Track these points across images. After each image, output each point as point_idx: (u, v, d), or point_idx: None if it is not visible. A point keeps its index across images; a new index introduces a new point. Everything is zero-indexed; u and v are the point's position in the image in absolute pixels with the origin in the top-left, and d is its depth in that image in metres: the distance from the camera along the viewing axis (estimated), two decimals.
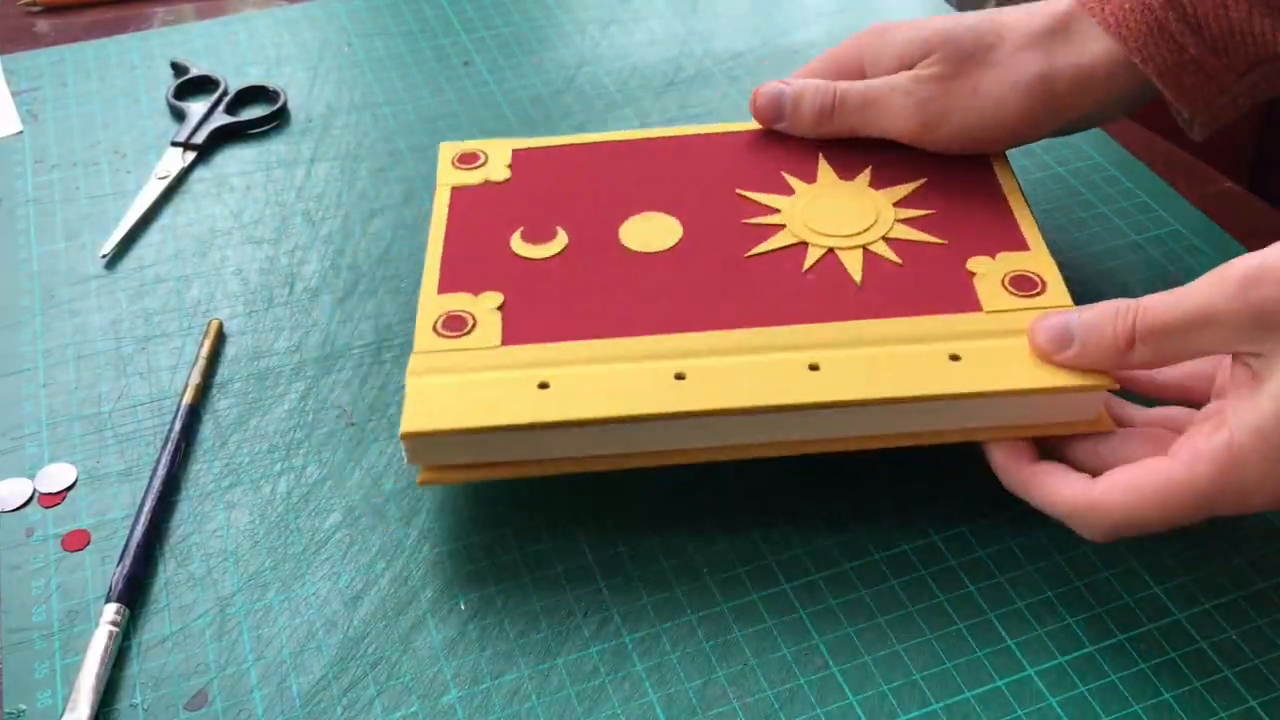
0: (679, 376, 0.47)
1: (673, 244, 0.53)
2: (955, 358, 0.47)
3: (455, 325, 0.50)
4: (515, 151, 0.59)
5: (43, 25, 0.82)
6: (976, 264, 0.51)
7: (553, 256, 0.53)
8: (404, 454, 0.47)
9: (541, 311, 0.50)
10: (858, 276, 0.51)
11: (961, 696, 0.43)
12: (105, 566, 0.47)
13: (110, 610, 0.45)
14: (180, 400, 0.53)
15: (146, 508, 0.49)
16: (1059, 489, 0.44)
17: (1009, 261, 0.51)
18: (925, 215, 0.54)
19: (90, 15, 0.83)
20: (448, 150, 0.59)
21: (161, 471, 0.50)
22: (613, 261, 0.52)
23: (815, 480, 0.50)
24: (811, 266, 0.51)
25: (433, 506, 0.50)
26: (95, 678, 0.43)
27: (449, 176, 0.58)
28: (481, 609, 0.46)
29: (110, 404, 0.54)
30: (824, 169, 0.57)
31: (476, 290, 0.51)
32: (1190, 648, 0.44)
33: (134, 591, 0.46)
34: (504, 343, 0.49)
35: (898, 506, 0.49)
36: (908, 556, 0.48)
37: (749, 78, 0.75)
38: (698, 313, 0.49)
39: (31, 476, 0.51)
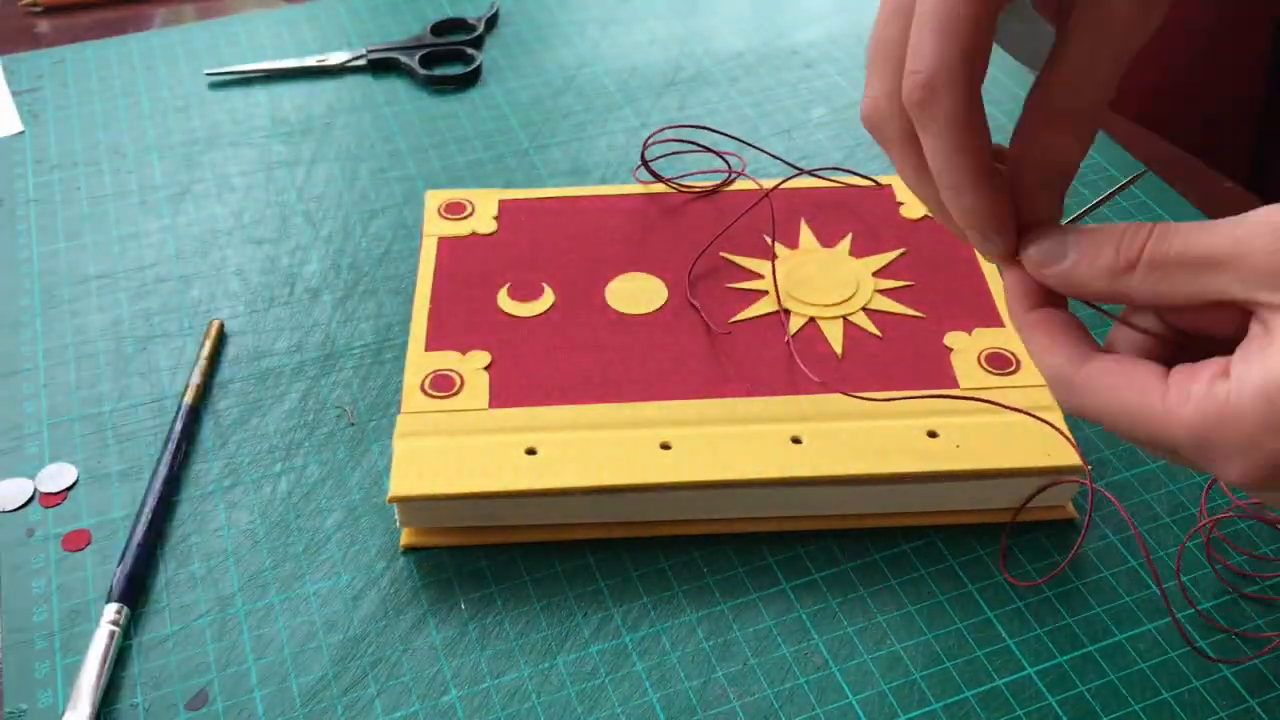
0: (665, 446, 0.47)
1: (657, 307, 0.54)
2: (933, 434, 0.48)
3: (443, 386, 0.50)
4: (502, 202, 0.59)
5: (43, 26, 0.82)
6: (953, 339, 0.52)
7: (539, 315, 0.53)
8: (395, 518, 0.48)
9: (528, 373, 0.51)
10: (838, 348, 0.52)
11: (961, 696, 0.43)
12: (106, 566, 0.47)
13: (111, 610, 0.45)
14: (181, 400, 0.53)
15: (147, 508, 0.49)
16: (1046, 352, 0.39)
17: (984, 338, 0.52)
18: (904, 286, 0.55)
19: (91, 16, 0.83)
20: (434, 199, 0.60)
21: (162, 471, 0.50)
22: (598, 323, 0.53)
23: None
24: (793, 335, 0.52)
25: None
26: (96, 677, 0.43)
27: (435, 227, 0.58)
28: (481, 609, 0.46)
29: (111, 404, 0.54)
30: (806, 234, 0.57)
31: (464, 349, 0.52)
32: (1189, 648, 0.44)
33: (134, 591, 0.46)
34: (491, 405, 0.49)
35: None
36: (908, 556, 0.48)
37: (749, 78, 0.75)
38: (682, 380, 0.50)
39: (32, 476, 0.51)
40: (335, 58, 0.76)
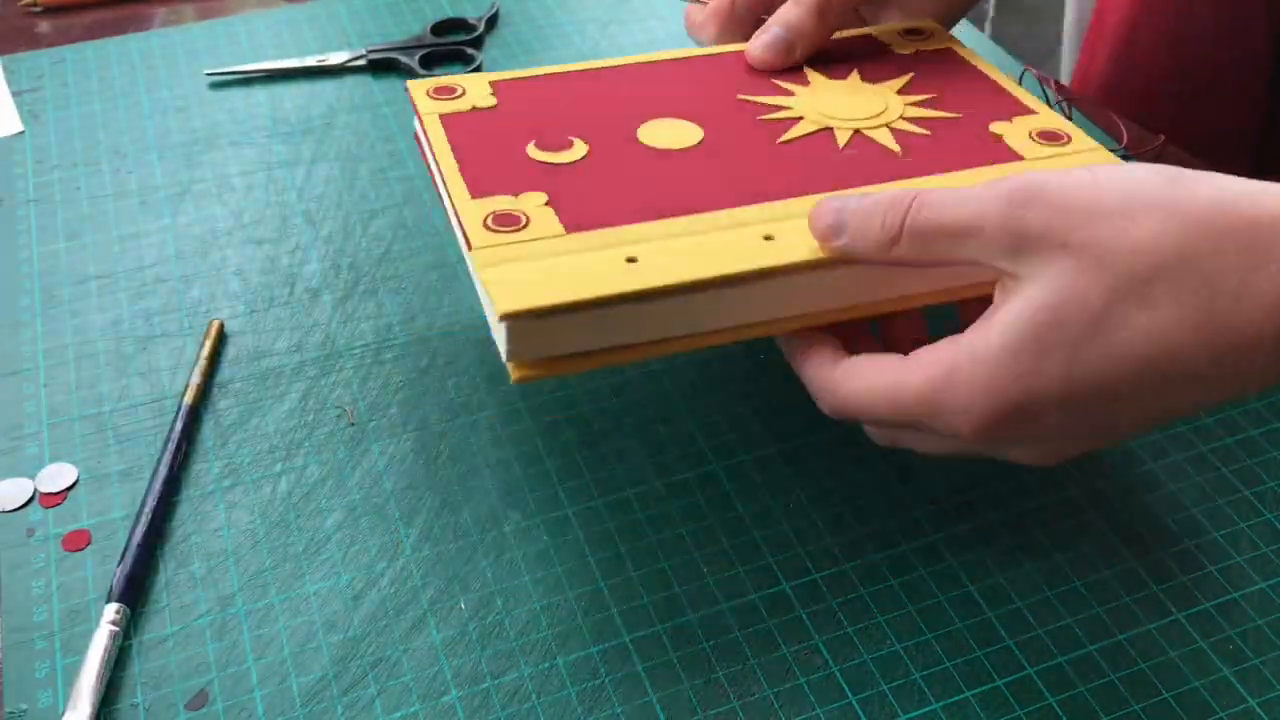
0: (768, 238, 0.45)
1: (696, 142, 0.52)
2: None
3: (508, 221, 0.46)
4: (495, 83, 0.56)
5: (43, 25, 0.82)
6: (998, 127, 0.53)
7: (576, 161, 0.50)
8: (501, 350, 0.44)
9: (593, 202, 0.47)
10: (895, 147, 0.51)
11: (961, 696, 0.43)
12: (106, 566, 0.47)
13: (111, 610, 0.45)
14: (181, 400, 0.53)
15: (147, 508, 0.49)
16: (806, 359, 0.44)
17: (1027, 123, 0.53)
18: (929, 98, 0.55)
19: (90, 15, 0.83)
20: (418, 87, 0.55)
21: (162, 471, 0.50)
22: (644, 157, 0.50)
23: (816, 480, 0.50)
24: (846, 145, 0.52)
25: (433, 506, 0.50)
26: (96, 678, 0.43)
27: (431, 107, 0.53)
28: (481, 609, 0.46)
29: (111, 404, 0.54)
30: (814, 75, 0.57)
31: (515, 191, 0.48)
32: (1189, 648, 0.44)
33: (134, 591, 0.46)
34: (568, 231, 0.45)
35: (897, 506, 0.49)
36: (908, 556, 0.48)
37: None
38: (759, 188, 0.48)
39: (32, 476, 0.51)
40: (335, 58, 0.76)
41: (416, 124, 0.54)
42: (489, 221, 0.46)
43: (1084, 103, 0.72)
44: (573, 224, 0.46)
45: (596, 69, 0.57)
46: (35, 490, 0.50)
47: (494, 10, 0.81)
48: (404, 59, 0.75)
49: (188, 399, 0.53)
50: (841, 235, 0.43)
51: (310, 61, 0.76)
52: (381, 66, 0.76)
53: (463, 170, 0.49)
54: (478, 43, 0.78)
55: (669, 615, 0.46)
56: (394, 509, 0.49)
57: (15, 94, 0.74)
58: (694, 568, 0.47)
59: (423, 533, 0.49)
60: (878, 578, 0.47)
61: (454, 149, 0.50)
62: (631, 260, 0.44)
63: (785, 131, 0.52)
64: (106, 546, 0.48)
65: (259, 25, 0.80)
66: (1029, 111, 0.54)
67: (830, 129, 0.52)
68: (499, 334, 0.43)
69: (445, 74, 0.74)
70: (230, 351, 0.57)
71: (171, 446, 0.51)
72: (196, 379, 0.54)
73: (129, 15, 0.83)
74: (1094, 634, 0.45)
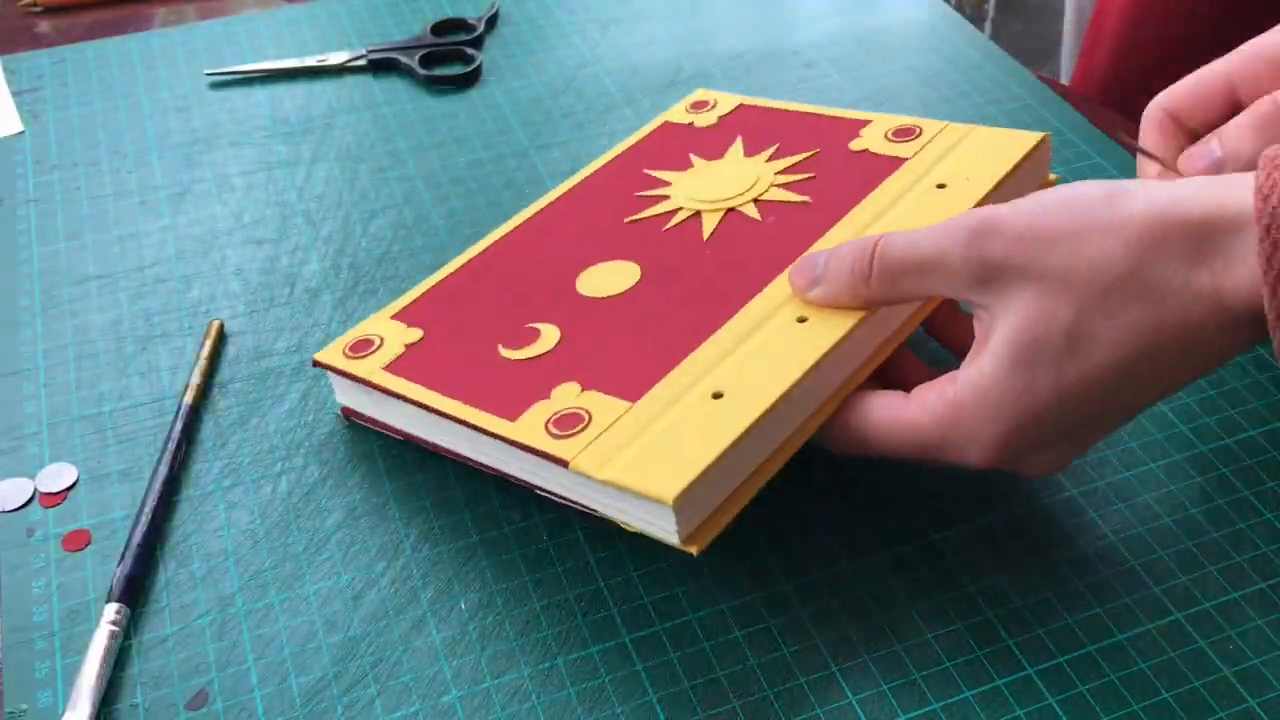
0: (801, 320, 0.47)
1: (639, 275, 0.51)
2: (942, 186, 0.51)
3: (573, 421, 0.44)
4: (397, 316, 0.52)
5: (43, 25, 0.82)
6: (857, 144, 0.55)
7: (560, 343, 0.48)
8: (675, 533, 0.42)
9: (623, 366, 0.46)
10: (803, 196, 0.53)
11: (961, 696, 0.43)
12: (106, 566, 0.47)
13: (111, 610, 0.45)
14: (181, 400, 0.53)
15: (147, 508, 0.49)
16: None
17: (873, 130, 0.56)
18: (775, 148, 0.57)
19: (90, 15, 0.83)
20: (330, 356, 0.50)
21: (162, 471, 0.50)
22: (613, 307, 0.50)
23: (815, 480, 0.50)
24: (763, 216, 0.53)
25: (433, 506, 0.50)
26: (96, 677, 0.43)
27: (368, 366, 0.49)
28: (481, 609, 0.46)
29: (111, 404, 0.54)
30: (665, 174, 0.58)
31: (545, 394, 0.46)
32: (1190, 647, 0.44)
33: (134, 591, 0.46)
34: (634, 401, 0.44)
35: (898, 506, 0.49)
36: (908, 556, 0.48)
37: (749, 78, 0.75)
38: (746, 287, 0.49)
39: (32, 476, 0.51)
40: (335, 58, 0.76)
41: (341, 397, 0.52)
42: (552, 429, 0.44)
43: (1084, 102, 0.72)
44: (628, 392, 0.45)
45: (477, 255, 0.55)
46: (35, 490, 0.50)
47: (494, 10, 0.81)
48: (404, 59, 0.75)
49: (188, 399, 0.53)
50: (816, 285, 0.46)
51: (310, 61, 0.76)
52: (381, 66, 0.76)
53: (474, 404, 0.46)
54: (478, 43, 0.78)
55: (669, 615, 0.46)
56: (394, 509, 0.49)
57: (15, 94, 0.74)
58: (693, 568, 0.47)
59: (423, 533, 0.49)
60: (878, 578, 0.47)
61: (438, 390, 0.47)
62: (717, 396, 0.44)
63: (701, 228, 0.53)
64: (106, 546, 0.48)
65: (259, 25, 0.80)
66: (863, 121, 0.56)
67: (734, 209, 0.54)
68: (664, 522, 0.42)
69: (445, 73, 0.74)
70: (230, 351, 0.57)
71: (171, 446, 0.51)
72: (196, 379, 0.54)
73: (129, 15, 0.83)
74: (1094, 634, 0.45)
